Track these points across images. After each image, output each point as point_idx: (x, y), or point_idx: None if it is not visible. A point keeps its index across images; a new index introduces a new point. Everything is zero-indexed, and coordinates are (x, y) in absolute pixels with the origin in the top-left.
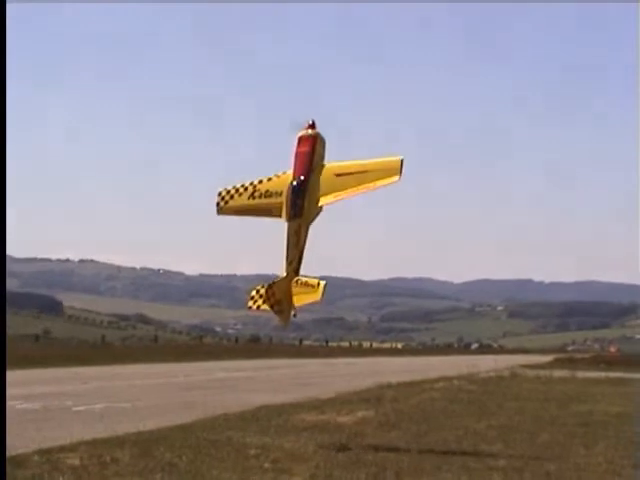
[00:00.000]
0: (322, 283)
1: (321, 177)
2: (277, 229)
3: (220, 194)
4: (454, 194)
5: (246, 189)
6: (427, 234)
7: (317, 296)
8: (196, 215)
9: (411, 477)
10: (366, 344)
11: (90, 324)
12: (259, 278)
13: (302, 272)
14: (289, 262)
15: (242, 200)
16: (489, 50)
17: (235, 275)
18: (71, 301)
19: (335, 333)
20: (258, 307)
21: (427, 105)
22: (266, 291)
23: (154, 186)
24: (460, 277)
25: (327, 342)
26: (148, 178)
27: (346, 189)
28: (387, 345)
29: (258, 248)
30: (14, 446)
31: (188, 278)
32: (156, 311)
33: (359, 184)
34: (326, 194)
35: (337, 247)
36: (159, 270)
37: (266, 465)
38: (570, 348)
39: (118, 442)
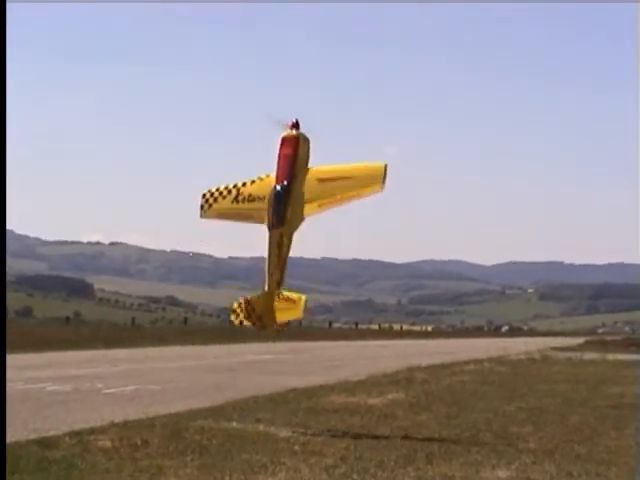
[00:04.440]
0: (303, 298)
1: (306, 183)
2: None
3: (204, 196)
4: (484, 176)
5: (230, 192)
6: (457, 216)
7: (298, 313)
8: None
9: (442, 459)
10: (396, 326)
11: (120, 306)
12: (289, 260)
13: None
14: (270, 274)
15: (226, 204)
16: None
17: (263, 257)
18: (101, 284)
19: (364, 315)
20: (241, 322)
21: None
22: (245, 307)
23: (180, 169)
24: (490, 259)
25: (357, 324)
26: (173, 162)
27: (330, 197)
28: (417, 328)
29: None
30: (45, 428)
31: (217, 261)
32: (186, 293)
33: (343, 192)
34: (310, 202)
35: (366, 229)
36: (189, 253)
37: (296, 447)
38: (601, 330)
39: (149, 424)
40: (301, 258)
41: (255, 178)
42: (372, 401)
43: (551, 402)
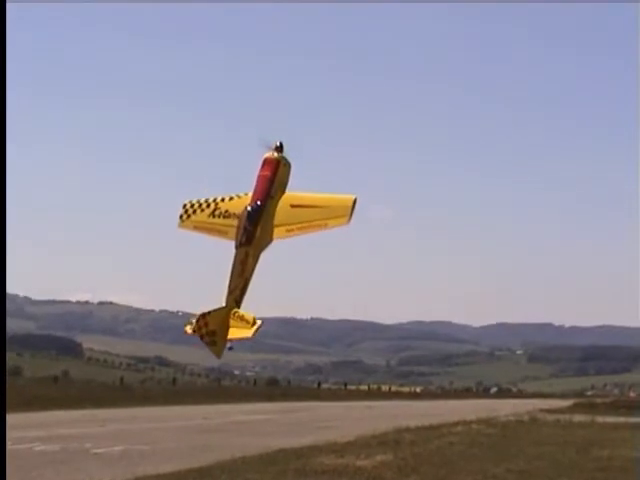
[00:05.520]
0: (258, 322)
1: (278, 206)
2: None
3: (185, 206)
4: (472, 238)
5: (209, 205)
6: (446, 277)
7: (249, 333)
8: (215, 259)
9: None
10: (385, 387)
11: (109, 366)
12: (277, 321)
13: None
14: (230, 291)
15: (203, 217)
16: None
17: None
18: (90, 343)
19: (353, 376)
20: (194, 332)
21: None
22: (197, 320)
23: (170, 228)
24: (479, 320)
25: (345, 385)
26: (163, 220)
27: (298, 222)
28: (406, 389)
29: (276, 293)
30: None
31: None
32: (175, 353)
33: (311, 219)
34: (279, 225)
35: (355, 291)
36: (178, 312)
37: None
38: (589, 392)
39: None
40: (292, 319)
41: (234, 195)
42: (360, 462)
43: (540, 465)
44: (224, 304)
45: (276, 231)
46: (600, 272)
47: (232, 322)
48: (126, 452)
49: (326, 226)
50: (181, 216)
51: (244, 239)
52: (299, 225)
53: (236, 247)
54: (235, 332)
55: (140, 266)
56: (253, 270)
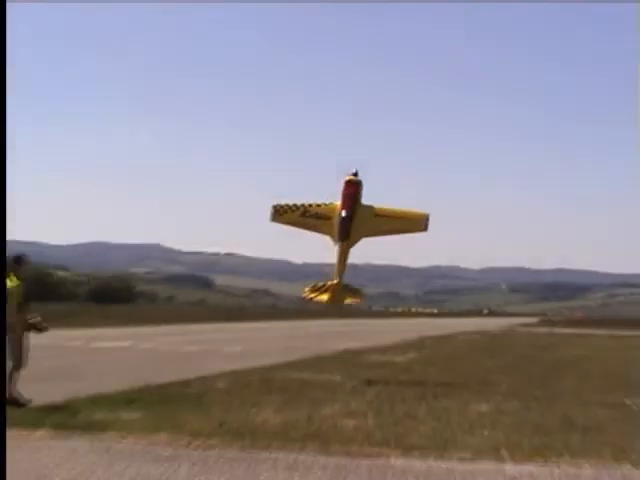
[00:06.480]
0: (363, 292)
1: (365, 215)
2: None
3: (275, 207)
4: (480, 207)
5: (297, 208)
6: (457, 232)
7: (360, 300)
8: None
9: (443, 397)
10: (414, 310)
11: (232, 295)
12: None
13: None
14: (338, 270)
15: (295, 216)
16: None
17: (327, 263)
18: (220, 280)
19: (393, 302)
20: (311, 298)
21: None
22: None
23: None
24: (478, 265)
25: (387, 308)
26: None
27: (383, 226)
28: (427, 310)
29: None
30: (180, 373)
31: (296, 265)
32: (276, 287)
33: (392, 227)
34: (367, 228)
35: (397, 243)
36: (281, 260)
37: (347, 389)
38: (550, 313)
39: (249, 372)
40: (350, 264)
41: (320, 203)
42: (397, 359)
43: (516, 360)
44: (335, 280)
45: (365, 232)
46: (561, 230)
47: (345, 293)
48: (242, 351)
49: (405, 232)
50: (273, 214)
51: (343, 237)
52: (383, 229)
53: (337, 242)
54: (350, 300)
55: (255, 224)
56: (347, 256)
